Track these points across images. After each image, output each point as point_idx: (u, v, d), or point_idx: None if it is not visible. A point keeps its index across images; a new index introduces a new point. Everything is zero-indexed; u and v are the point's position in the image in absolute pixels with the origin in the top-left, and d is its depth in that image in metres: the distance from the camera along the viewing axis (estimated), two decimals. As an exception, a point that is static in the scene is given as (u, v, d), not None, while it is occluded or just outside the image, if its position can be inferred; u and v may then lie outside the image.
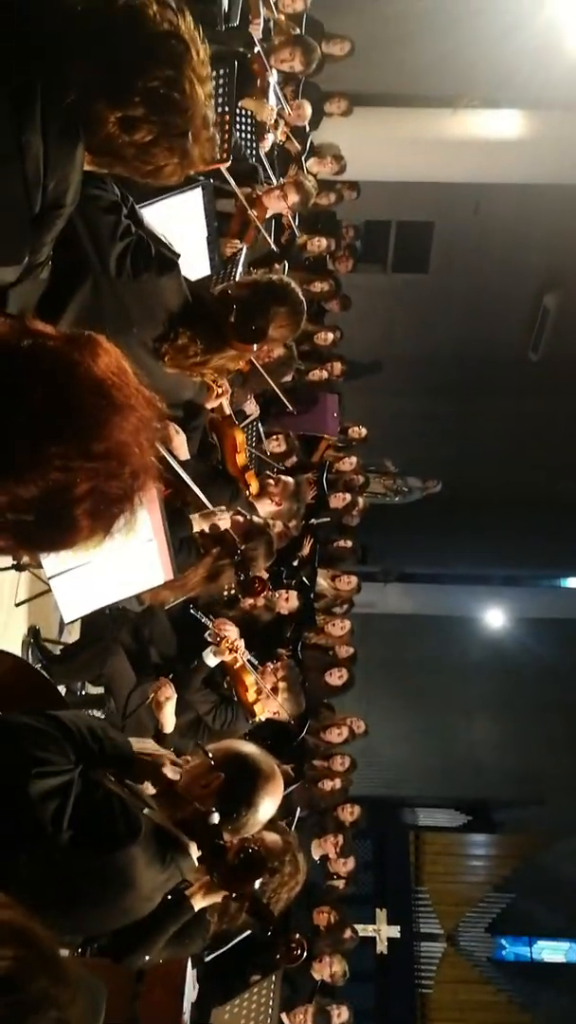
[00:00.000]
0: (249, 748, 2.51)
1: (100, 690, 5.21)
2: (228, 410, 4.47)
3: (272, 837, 3.04)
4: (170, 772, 2.27)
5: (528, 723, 12.87)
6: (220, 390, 3.66)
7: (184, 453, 4.40)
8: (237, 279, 5.02)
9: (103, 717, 4.80)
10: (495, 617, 13.41)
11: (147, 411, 1.51)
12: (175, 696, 4.16)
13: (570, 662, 12.79)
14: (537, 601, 13.62)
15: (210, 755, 2.34)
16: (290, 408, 6.06)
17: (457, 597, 13.45)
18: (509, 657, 13.06)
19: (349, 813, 7.40)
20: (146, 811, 2.15)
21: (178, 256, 3.02)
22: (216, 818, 2.29)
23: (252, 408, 6.18)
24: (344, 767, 7.46)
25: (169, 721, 4.25)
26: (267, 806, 2.38)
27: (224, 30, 4.73)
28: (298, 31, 7.17)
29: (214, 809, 2.29)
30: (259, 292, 2.98)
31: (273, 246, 6.26)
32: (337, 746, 7.51)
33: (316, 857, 7.17)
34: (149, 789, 2.28)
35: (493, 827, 12.86)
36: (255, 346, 2.81)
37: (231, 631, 4.48)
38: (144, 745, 2.37)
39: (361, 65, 8.47)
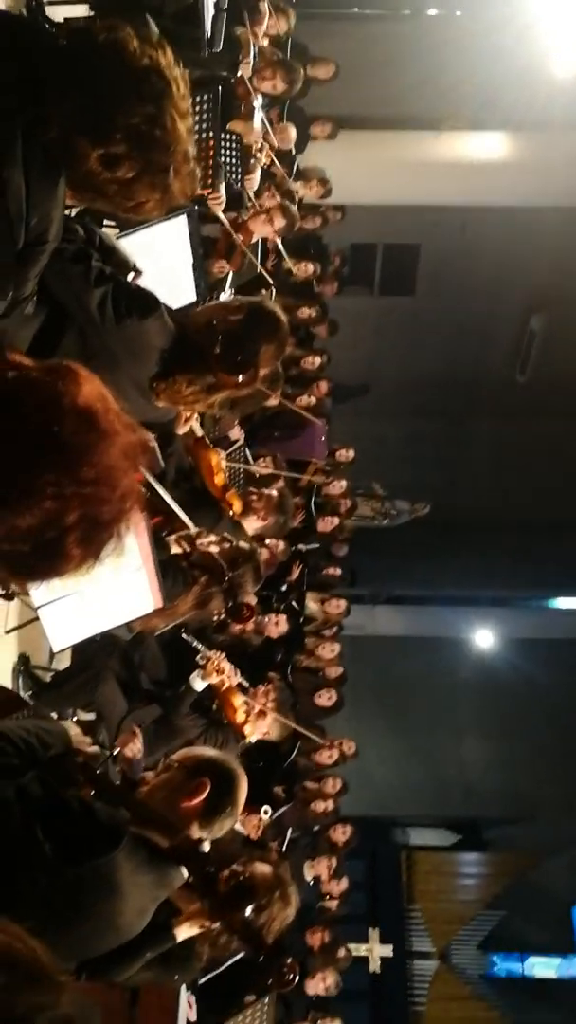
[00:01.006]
0: (211, 751, 2.56)
1: (91, 716, 5.20)
2: (200, 432, 4.46)
3: (263, 868, 3.03)
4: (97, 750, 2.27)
5: (517, 742, 12.85)
6: (188, 414, 3.65)
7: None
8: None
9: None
10: (484, 638, 13.39)
11: (131, 436, 1.54)
12: (141, 750, 4.15)
13: (558, 681, 12.79)
14: (526, 622, 13.63)
15: (182, 764, 2.36)
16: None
17: (446, 618, 13.44)
18: (498, 677, 13.04)
19: (341, 833, 7.37)
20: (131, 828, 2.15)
21: (140, 273, 3.02)
22: (207, 846, 2.30)
23: (237, 433, 6.20)
24: (336, 789, 7.45)
25: (136, 772, 4.25)
26: (242, 799, 2.43)
27: (208, 55, 4.77)
28: (281, 55, 7.22)
29: (205, 836, 2.30)
30: (247, 325, 2.94)
31: (261, 269, 6.29)
32: (328, 768, 7.50)
33: (309, 879, 7.13)
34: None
35: (484, 845, 12.85)
36: (241, 377, 2.81)
37: (226, 666, 4.48)
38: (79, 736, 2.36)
39: (346, 88, 8.52)
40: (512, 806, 12.69)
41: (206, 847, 2.29)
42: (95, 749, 2.28)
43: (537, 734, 12.80)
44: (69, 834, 1.91)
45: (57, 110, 1.83)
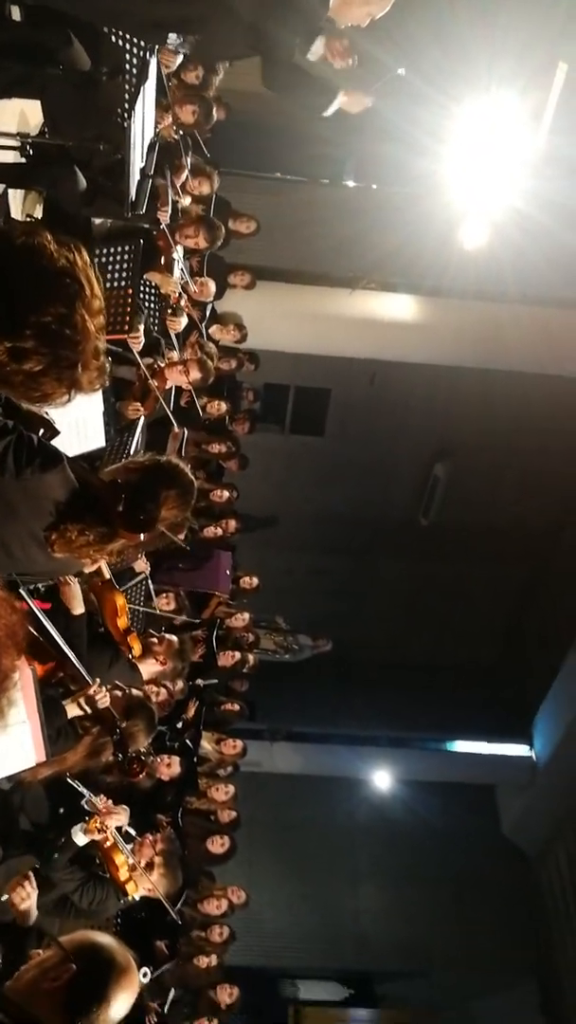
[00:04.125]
0: (104, 939, 2.41)
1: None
2: (107, 574, 4.45)
3: None
4: None
5: (414, 891, 12.60)
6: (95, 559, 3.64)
7: (79, 606, 4.34)
8: (133, 448, 5.14)
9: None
10: (382, 779, 13.24)
11: (11, 616, 1.55)
12: (35, 896, 3.96)
13: (455, 827, 12.69)
14: (424, 764, 13.56)
15: (64, 947, 2.23)
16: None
17: (345, 757, 13.26)
18: (396, 821, 12.85)
19: (227, 995, 7.01)
20: None
21: (57, 432, 3.07)
22: None
23: (142, 566, 6.18)
24: (223, 938, 7.14)
25: (31, 916, 4.04)
26: (122, 1001, 2.26)
27: (131, 216, 4.99)
28: (205, 212, 7.56)
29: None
30: (148, 475, 3.01)
31: (171, 415, 6.40)
32: (216, 918, 7.20)
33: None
34: None
35: (376, 1000, 12.36)
36: (143, 535, 2.84)
37: (111, 823, 4.34)
38: None
39: (266, 243, 8.97)
40: (406, 958, 12.32)
41: None
42: None
43: (433, 882, 12.59)
44: None
45: None
